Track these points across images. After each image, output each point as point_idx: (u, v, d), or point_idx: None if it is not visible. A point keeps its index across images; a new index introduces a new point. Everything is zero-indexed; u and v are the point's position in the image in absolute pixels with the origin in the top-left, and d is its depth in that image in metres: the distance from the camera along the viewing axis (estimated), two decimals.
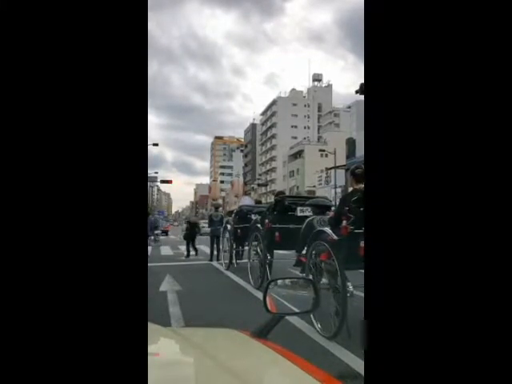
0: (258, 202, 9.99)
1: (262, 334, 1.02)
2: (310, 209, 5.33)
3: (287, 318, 2.86)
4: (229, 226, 8.14)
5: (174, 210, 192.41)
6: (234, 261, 7.68)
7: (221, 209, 11.43)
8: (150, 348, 0.64)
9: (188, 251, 10.86)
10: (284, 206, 5.59)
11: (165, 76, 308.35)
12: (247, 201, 9.33)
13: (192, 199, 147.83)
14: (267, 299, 1.14)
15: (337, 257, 3.26)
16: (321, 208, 5.17)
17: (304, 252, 4.09)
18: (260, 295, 4.59)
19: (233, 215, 8.24)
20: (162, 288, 5.78)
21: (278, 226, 5.47)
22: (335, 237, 3.36)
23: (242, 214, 7.40)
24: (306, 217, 4.83)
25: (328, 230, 3.53)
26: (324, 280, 3.47)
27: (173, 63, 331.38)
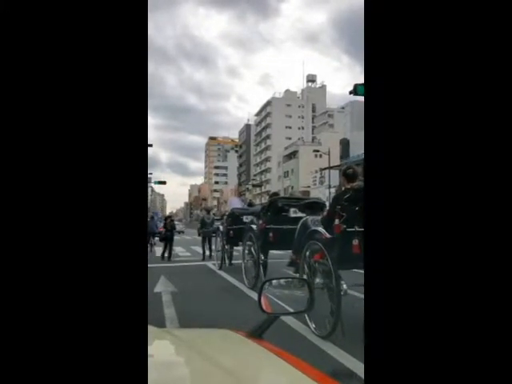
0: (250, 204, 10.11)
1: (257, 333, 1.02)
2: (299, 210, 5.46)
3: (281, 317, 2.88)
4: (221, 228, 8.36)
5: (168, 211, 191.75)
6: (226, 261, 7.93)
7: (212, 211, 12.03)
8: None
9: (165, 253, 10.59)
10: (277, 207, 5.67)
11: (159, 76, 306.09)
12: (236, 201, 9.52)
13: (186, 200, 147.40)
14: (262, 299, 1.15)
15: (330, 255, 3.27)
16: (315, 209, 5.27)
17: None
18: (254, 295, 4.85)
19: (225, 217, 8.54)
20: (157, 289, 5.76)
21: (271, 226, 5.55)
22: (328, 235, 3.38)
23: (235, 216, 7.60)
24: (300, 217, 4.87)
25: (321, 229, 3.56)
26: (318, 279, 3.48)
27: (168, 63, 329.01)
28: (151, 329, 1.02)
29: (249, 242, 6.10)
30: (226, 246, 7.90)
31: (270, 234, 5.51)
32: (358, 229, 3.19)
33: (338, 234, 3.28)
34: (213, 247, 9.67)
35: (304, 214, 5.12)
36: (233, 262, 8.07)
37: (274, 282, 1.25)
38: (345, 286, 3.19)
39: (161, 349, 0.97)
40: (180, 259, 10.82)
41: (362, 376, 0.65)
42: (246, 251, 6.22)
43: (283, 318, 3.04)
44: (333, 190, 31.93)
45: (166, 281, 6.46)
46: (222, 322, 3.59)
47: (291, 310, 1.27)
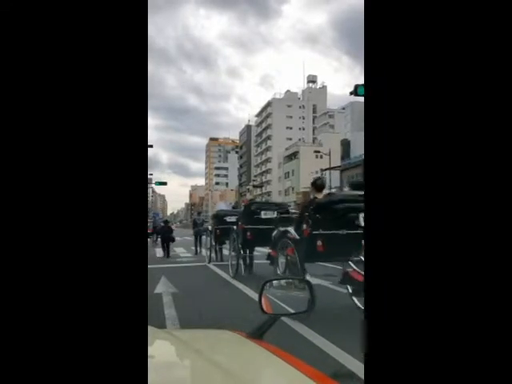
0: (234, 207, 11.94)
1: (257, 334, 1.02)
2: (271, 212, 6.91)
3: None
4: (210, 227, 9.83)
5: (169, 212, 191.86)
6: (214, 257, 9.53)
7: (203, 213, 14.80)
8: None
9: (167, 252, 12.11)
10: (251, 211, 7.05)
11: (160, 77, 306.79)
12: (222, 205, 12.07)
13: (187, 201, 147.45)
14: (263, 300, 1.14)
15: (299, 252, 4.27)
16: (282, 211, 6.97)
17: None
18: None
19: (212, 218, 10.12)
20: (158, 290, 5.77)
21: (248, 226, 6.89)
22: (297, 236, 4.36)
23: (219, 217, 9.10)
24: (269, 218, 6.55)
25: (291, 229, 4.53)
26: (289, 270, 4.46)
27: (168, 64, 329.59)
28: (151, 329, 1.03)
29: (234, 242, 7.29)
30: (213, 243, 9.42)
31: (248, 233, 6.84)
32: (322, 232, 4.08)
33: (306, 236, 4.20)
34: (202, 244, 11.73)
35: (273, 216, 6.70)
36: (219, 262, 9.26)
37: (274, 282, 1.25)
38: (308, 277, 4.01)
39: (161, 349, 0.97)
40: (181, 260, 11.06)
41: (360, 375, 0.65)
42: (232, 248, 7.47)
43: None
44: (334, 191, 31.98)
45: (167, 281, 6.49)
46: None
47: (292, 311, 1.27)
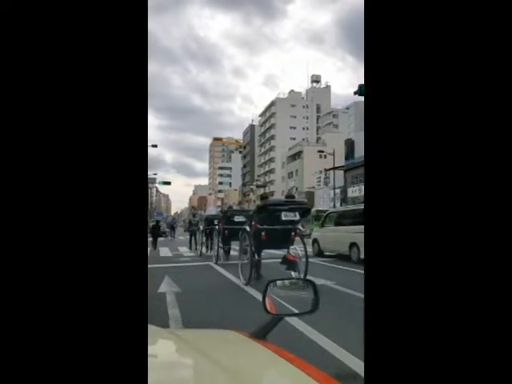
0: (222, 211, 14.29)
1: (260, 334, 1.02)
2: (241, 216, 9.34)
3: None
4: (201, 227, 12.89)
5: (173, 212, 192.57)
6: (204, 251, 12.28)
7: (197, 215, 17.34)
8: (149, 350, 0.64)
9: (155, 245, 15.46)
10: (228, 215, 9.89)
11: (165, 77, 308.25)
12: (212, 209, 16.50)
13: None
14: (266, 300, 1.14)
15: (250, 241, 6.35)
16: (247, 215, 9.22)
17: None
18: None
19: (204, 220, 13.00)
20: (161, 289, 5.79)
21: (226, 227, 9.64)
22: (249, 230, 6.54)
23: (209, 220, 12.18)
24: (240, 221, 8.87)
25: (247, 227, 6.70)
26: (246, 254, 6.53)
27: (173, 64, 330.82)
28: (155, 329, 1.03)
29: (216, 238, 10.26)
30: (204, 240, 12.36)
31: (226, 232, 9.66)
32: (264, 226, 6.20)
33: (255, 229, 6.32)
34: (196, 242, 14.78)
35: (243, 219, 8.74)
36: (210, 254, 11.79)
37: (278, 282, 1.25)
38: (256, 257, 6.32)
39: (164, 349, 0.97)
40: (184, 259, 11.33)
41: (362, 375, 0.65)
42: (216, 243, 10.34)
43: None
44: (337, 191, 32.01)
45: (171, 281, 6.51)
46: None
47: (296, 311, 1.27)
